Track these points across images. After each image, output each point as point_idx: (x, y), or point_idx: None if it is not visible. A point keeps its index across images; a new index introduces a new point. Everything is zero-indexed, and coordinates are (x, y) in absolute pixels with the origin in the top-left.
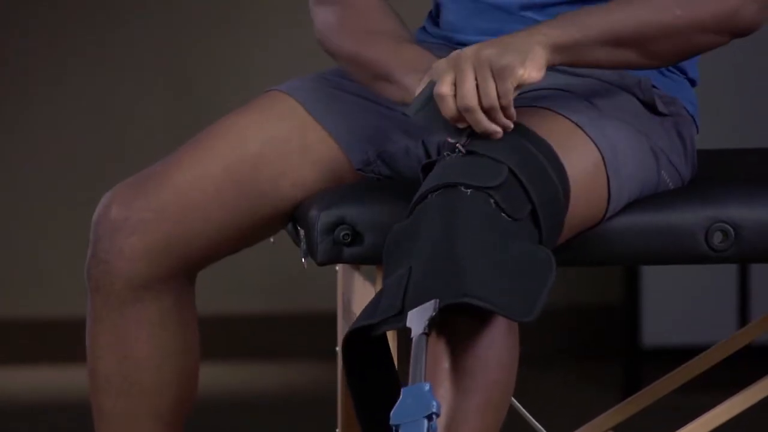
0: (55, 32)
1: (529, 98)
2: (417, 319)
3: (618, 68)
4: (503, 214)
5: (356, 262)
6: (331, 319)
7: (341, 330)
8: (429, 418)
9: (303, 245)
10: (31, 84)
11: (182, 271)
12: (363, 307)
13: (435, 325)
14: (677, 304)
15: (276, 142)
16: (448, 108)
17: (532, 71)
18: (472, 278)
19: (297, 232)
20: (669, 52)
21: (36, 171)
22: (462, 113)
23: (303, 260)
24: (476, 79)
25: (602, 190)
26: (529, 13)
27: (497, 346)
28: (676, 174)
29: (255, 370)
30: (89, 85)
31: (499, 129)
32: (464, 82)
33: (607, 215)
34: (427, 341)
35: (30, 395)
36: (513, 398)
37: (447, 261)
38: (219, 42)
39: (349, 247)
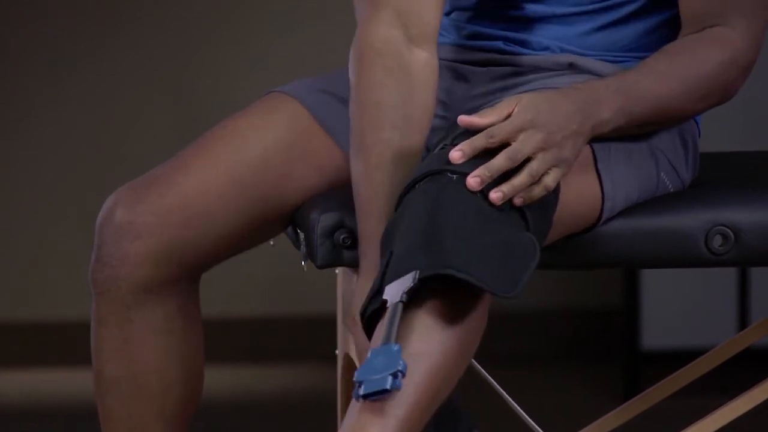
0: (56, 35)
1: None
2: (395, 291)
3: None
4: (488, 201)
5: (356, 266)
6: (330, 322)
7: (341, 333)
8: (395, 375)
9: (303, 248)
10: (33, 87)
11: (186, 274)
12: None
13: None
14: (677, 308)
15: (279, 146)
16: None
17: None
18: (456, 255)
19: (297, 236)
20: (678, 122)
21: (36, 174)
22: (492, 146)
23: (303, 263)
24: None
25: (594, 188)
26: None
27: (455, 335)
28: (676, 176)
29: (255, 373)
30: (91, 88)
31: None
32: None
33: (605, 215)
34: (402, 309)
35: (28, 398)
36: (513, 401)
37: (429, 241)
38: (220, 44)
39: (349, 250)
